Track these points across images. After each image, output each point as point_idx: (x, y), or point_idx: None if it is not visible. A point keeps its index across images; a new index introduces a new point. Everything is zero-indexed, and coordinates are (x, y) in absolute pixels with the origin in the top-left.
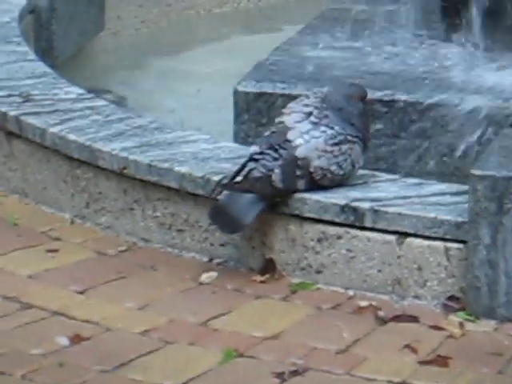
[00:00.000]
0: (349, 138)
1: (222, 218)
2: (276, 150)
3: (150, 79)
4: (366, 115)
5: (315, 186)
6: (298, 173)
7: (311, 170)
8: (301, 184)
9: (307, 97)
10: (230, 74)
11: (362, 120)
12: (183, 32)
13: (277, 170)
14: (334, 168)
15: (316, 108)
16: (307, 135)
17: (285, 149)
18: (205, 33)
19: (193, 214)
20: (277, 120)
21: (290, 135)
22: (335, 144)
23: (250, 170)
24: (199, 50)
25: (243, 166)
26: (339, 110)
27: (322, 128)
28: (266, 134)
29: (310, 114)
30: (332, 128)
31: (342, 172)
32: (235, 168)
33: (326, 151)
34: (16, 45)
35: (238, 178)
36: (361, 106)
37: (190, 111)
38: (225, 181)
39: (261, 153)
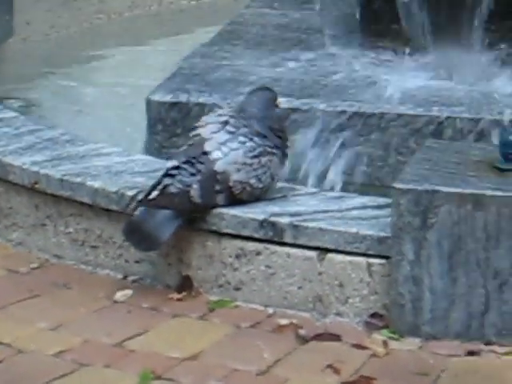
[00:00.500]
0: (268, 149)
1: (137, 235)
2: (193, 165)
3: (60, 87)
4: (284, 122)
5: (234, 200)
6: (217, 187)
7: (230, 184)
8: (220, 199)
9: (221, 108)
10: (142, 80)
11: (281, 127)
12: (94, 37)
13: (195, 186)
14: (253, 181)
15: (232, 117)
16: (225, 147)
17: (202, 163)
18: (116, 37)
19: (106, 229)
20: (192, 133)
21: (207, 146)
22: (255, 156)
23: (166, 186)
24: (110, 56)
25: (159, 181)
26: (256, 118)
27: (241, 138)
28: (183, 148)
29: (226, 123)
30: (251, 139)
31: (261, 185)
32: (151, 183)
33: (245, 164)
34: None
35: (154, 194)
36: (278, 113)
37: (101, 121)
38: (140, 196)
39: (177, 167)
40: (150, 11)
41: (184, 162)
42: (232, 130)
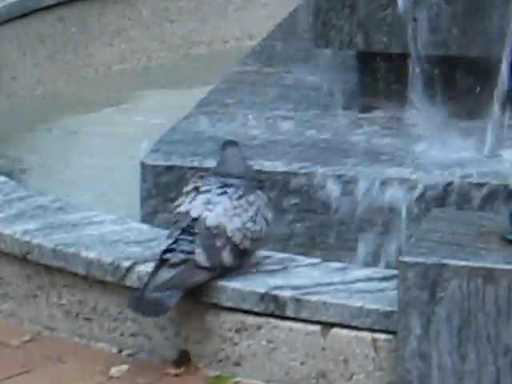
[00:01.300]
0: (250, 189)
1: (144, 305)
2: (188, 232)
3: (47, 143)
4: (244, 160)
5: (240, 252)
6: (218, 243)
7: (229, 234)
8: (226, 255)
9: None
10: (132, 139)
11: (257, 176)
12: (81, 92)
13: (198, 250)
14: (249, 225)
15: (199, 179)
16: (209, 205)
17: (195, 227)
18: (104, 92)
19: (101, 301)
20: (173, 215)
21: (193, 214)
22: (240, 197)
23: (168, 260)
24: (99, 112)
25: (157, 268)
26: (231, 173)
27: (218, 191)
28: (170, 229)
29: (196, 188)
30: (230, 185)
31: (258, 227)
32: (147, 253)
33: (234, 208)
34: None
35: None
36: (236, 153)
37: (92, 181)
38: (138, 294)
39: (175, 241)
40: (139, 65)
41: (179, 234)
42: (206, 188)
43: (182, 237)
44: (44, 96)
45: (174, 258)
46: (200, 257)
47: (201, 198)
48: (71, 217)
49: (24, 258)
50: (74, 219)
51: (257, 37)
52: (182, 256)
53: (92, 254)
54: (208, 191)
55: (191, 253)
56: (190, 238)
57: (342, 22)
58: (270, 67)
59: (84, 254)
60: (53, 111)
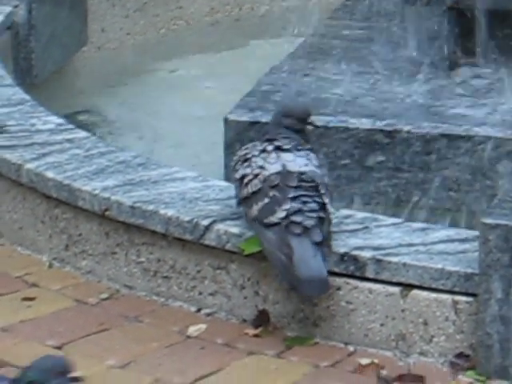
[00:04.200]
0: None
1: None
2: (306, 189)
3: (136, 97)
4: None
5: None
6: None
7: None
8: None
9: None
10: (221, 94)
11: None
12: (172, 44)
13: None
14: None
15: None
16: (305, 160)
17: (307, 183)
18: (194, 45)
19: (180, 260)
20: (262, 177)
21: (294, 170)
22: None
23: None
24: (189, 66)
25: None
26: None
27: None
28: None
29: (278, 147)
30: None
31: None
32: (226, 211)
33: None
34: None
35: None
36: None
37: (177, 136)
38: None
39: (294, 201)
40: (230, 16)
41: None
42: (286, 147)
43: (301, 193)
44: (133, 48)
45: (306, 221)
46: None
47: (286, 155)
48: (152, 173)
49: (102, 215)
50: (155, 176)
51: None
52: (314, 215)
53: (171, 212)
54: (287, 150)
55: (319, 210)
56: (311, 193)
57: None
58: (360, 22)
59: (163, 211)
60: (142, 64)
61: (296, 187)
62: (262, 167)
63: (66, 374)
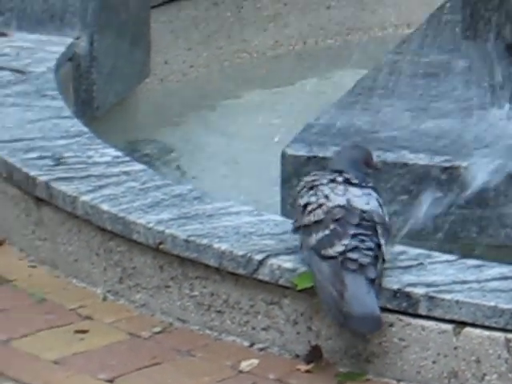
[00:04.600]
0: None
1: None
2: (366, 227)
3: (197, 132)
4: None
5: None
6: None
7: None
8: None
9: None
10: (281, 130)
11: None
12: (235, 78)
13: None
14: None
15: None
16: (365, 198)
17: (368, 221)
18: (258, 78)
19: (233, 294)
20: (326, 208)
21: (358, 206)
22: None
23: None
24: (251, 100)
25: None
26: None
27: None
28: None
29: (346, 180)
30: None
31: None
32: (281, 246)
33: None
34: (51, 99)
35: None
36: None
37: (235, 172)
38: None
39: (354, 238)
40: (294, 50)
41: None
42: (354, 181)
43: (360, 232)
44: (196, 81)
45: (362, 258)
46: (385, 253)
47: (353, 190)
48: (207, 207)
49: (157, 249)
50: (210, 209)
51: (415, 24)
52: (370, 253)
53: (224, 246)
54: (355, 184)
55: (375, 249)
56: (369, 232)
57: (491, 12)
58: (421, 57)
59: (216, 245)
60: (204, 97)
61: (357, 225)
62: (327, 197)
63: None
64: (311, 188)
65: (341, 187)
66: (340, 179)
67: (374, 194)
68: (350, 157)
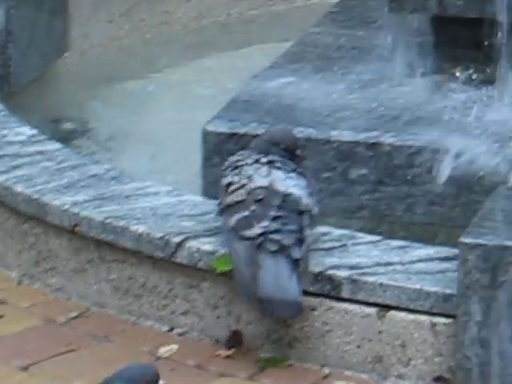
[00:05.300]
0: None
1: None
2: (287, 209)
3: (118, 108)
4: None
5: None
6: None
7: (313, 213)
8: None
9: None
10: (203, 105)
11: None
12: (157, 50)
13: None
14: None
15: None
16: (290, 180)
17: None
18: (180, 50)
19: (151, 278)
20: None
21: (281, 189)
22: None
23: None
24: (173, 72)
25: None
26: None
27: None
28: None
29: (271, 162)
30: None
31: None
32: (199, 227)
33: (309, 185)
34: None
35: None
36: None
37: (155, 151)
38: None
39: (275, 220)
40: (218, 22)
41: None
42: (278, 165)
43: (282, 214)
44: (117, 54)
45: (285, 239)
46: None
47: (277, 173)
48: (124, 187)
49: (72, 231)
50: (128, 190)
51: None
52: (293, 235)
53: (142, 228)
54: (279, 168)
55: (298, 232)
56: (292, 215)
57: None
58: (345, 29)
59: (134, 227)
60: (127, 70)
61: (279, 207)
62: (250, 178)
63: (155, 382)
64: (235, 168)
65: (264, 168)
66: (264, 160)
67: (300, 179)
68: (271, 141)
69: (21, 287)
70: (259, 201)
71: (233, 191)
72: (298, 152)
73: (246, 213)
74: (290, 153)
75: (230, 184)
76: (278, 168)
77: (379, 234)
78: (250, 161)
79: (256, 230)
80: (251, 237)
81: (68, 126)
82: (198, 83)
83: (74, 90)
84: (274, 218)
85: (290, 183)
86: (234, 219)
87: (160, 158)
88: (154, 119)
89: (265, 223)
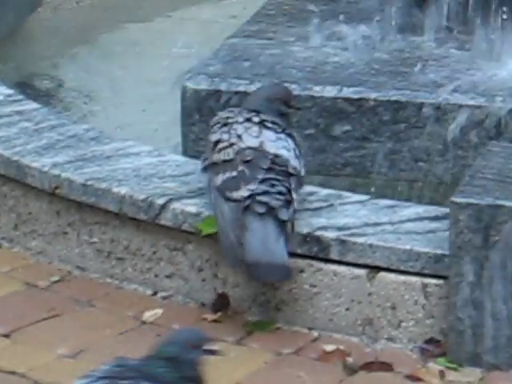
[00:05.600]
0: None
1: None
2: (277, 172)
3: (94, 64)
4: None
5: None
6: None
7: (302, 174)
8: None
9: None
10: (184, 61)
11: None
12: (134, 4)
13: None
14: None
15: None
16: (281, 142)
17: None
18: (156, 3)
19: (134, 240)
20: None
21: (271, 151)
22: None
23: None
24: (149, 25)
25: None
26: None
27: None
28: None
29: (262, 122)
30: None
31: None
32: (183, 188)
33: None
34: None
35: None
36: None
37: (134, 108)
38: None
39: (264, 182)
40: None
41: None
42: (270, 126)
43: (271, 177)
44: (91, 8)
45: (272, 201)
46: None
47: (268, 133)
48: (105, 148)
49: (53, 193)
50: (108, 151)
51: None
52: (281, 197)
53: (124, 190)
54: (270, 128)
55: (287, 194)
56: (280, 177)
57: None
58: None
59: (116, 189)
60: (101, 25)
61: (268, 169)
62: (240, 137)
63: (202, 346)
64: (225, 125)
65: (255, 128)
66: (256, 119)
67: (290, 141)
68: (268, 96)
69: (0, 251)
70: (248, 162)
71: (221, 149)
72: (294, 103)
73: (234, 173)
74: (287, 107)
75: (218, 141)
76: (269, 128)
77: (366, 193)
78: (240, 119)
79: (243, 193)
80: (238, 199)
81: (43, 85)
82: (177, 37)
83: (48, 46)
84: (263, 181)
85: (279, 144)
86: (220, 179)
87: (140, 118)
88: (130, 76)
89: (253, 186)
